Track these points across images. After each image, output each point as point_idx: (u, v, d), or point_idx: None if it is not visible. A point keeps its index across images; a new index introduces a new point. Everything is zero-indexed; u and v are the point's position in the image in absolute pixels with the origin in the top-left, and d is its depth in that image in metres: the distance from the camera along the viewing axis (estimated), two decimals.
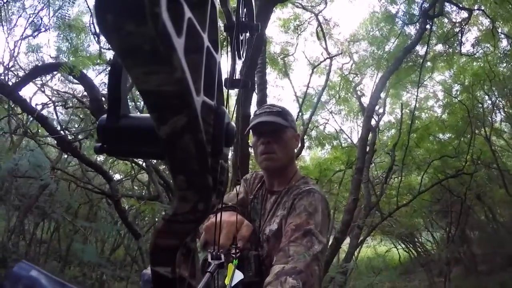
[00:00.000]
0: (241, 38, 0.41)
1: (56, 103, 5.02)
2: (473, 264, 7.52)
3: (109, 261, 6.52)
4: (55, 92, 5.23)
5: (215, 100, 0.26)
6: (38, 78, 5.36)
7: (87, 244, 6.05)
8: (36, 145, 4.33)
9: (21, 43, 4.54)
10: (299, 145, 1.12)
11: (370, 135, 6.14)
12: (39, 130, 4.87)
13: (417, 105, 6.80)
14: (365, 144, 5.25)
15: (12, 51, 4.26)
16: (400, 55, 5.37)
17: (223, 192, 0.27)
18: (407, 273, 9.36)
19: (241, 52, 0.42)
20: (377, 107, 8.55)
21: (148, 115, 0.24)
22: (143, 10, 0.17)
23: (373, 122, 8.26)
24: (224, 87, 0.29)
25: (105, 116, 0.27)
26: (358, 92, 8.20)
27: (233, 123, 0.27)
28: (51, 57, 5.66)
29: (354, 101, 8.68)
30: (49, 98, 4.93)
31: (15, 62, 4.59)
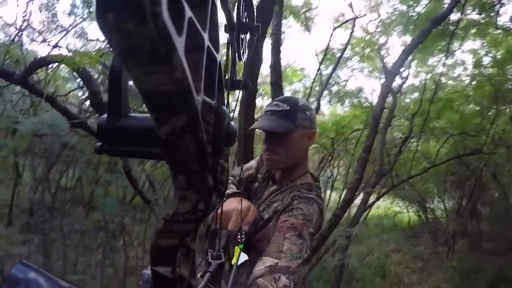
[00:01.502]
0: (241, 38, 0.39)
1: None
2: (478, 240, 7.59)
3: (130, 206, 6.95)
4: (70, 50, 5.20)
5: (216, 99, 0.25)
6: (52, 36, 5.35)
7: (108, 195, 6.47)
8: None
9: (33, 2, 4.47)
10: (312, 142, 1.07)
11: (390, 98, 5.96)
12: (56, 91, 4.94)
13: (442, 74, 6.45)
14: (378, 122, 4.96)
15: (24, 12, 4.20)
16: (428, 27, 4.82)
17: (223, 192, 0.27)
18: (414, 236, 9.45)
19: (241, 53, 0.40)
20: (401, 69, 8.24)
21: (148, 115, 0.24)
22: (144, 9, 0.16)
23: (395, 85, 8.00)
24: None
25: (105, 116, 0.27)
26: (382, 53, 7.80)
27: (233, 124, 0.26)
28: (64, 13, 5.58)
29: (378, 60, 8.32)
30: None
31: (28, 23, 4.55)
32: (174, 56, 0.19)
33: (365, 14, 7.39)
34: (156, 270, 0.24)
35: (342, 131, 8.09)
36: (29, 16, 4.55)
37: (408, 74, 7.99)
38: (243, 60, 0.41)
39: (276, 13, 4.04)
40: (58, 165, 6.24)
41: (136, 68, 0.20)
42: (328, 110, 9.80)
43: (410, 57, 7.79)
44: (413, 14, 6.52)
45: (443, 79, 7.32)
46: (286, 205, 0.93)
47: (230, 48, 0.39)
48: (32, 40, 4.79)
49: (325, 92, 8.45)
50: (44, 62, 2.71)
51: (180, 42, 0.20)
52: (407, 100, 8.37)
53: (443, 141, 6.85)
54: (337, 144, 8.09)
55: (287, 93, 9.06)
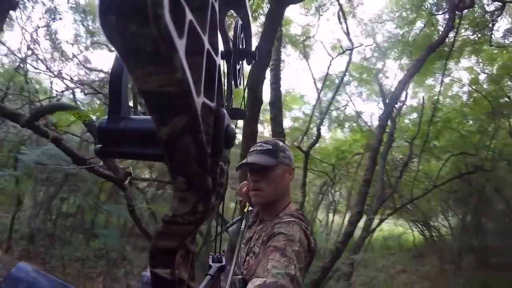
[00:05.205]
0: (238, 67, 0.40)
1: (74, 89, 5.14)
2: (485, 256, 7.39)
3: (132, 234, 6.80)
4: (72, 79, 5.35)
5: (215, 101, 0.26)
6: (55, 66, 5.50)
7: (108, 223, 6.35)
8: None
9: (37, 32, 4.63)
10: (292, 177, 1.19)
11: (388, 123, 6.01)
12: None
13: (440, 95, 6.49)
14: (376, 155, 4.92)
15: (30, 41, 4.34)
16: (423, 55, 4.91)
17: (223, 194, 0.27)
18: (421, 256, 9.25)
19: (238, 81, 0.41)
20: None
21: (148, 117, 0.24)
22: (146, 11, 0.17)
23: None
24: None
25: (105, 118, 0.27)
26: (379, 79, 7.99)
27: (232, 126, 0.27)
28: (67, 42, 5.76)
29: (376, 84, 8.49)
30: (67, 85, 5.07)
31: (33, 51, 4.71)
32: (175, 57, 0.20)
33: (360, 45, 7.60)
34: (155, 272, 0.23)
35: (343, 156, 8.14)
36: (34, 45, 4.69)
37: (406, 97, 8.12)
38: (240, 87, 0.42)
39: (275, 48, 4.15)
40: (60, 192, 6.20)
41: (138, 69, 0.20)
42: (328, 135, 9.92)
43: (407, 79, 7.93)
44: (410, 39, 6.69)
45: (441, 99, 7.40)
46: (270, 234, 1.00)
47: (227, 75, 0.40)
48: (36, 68, 4.91)
49: (325, 118, 8.59)
50: (49, 109, 2.77)
51: (181, 44, 0.20)
52: (406, 121, 8.45)
53: (444, 161, 6.83)
54: (338, 170, 8.11)
55: (287, 120, 9.19)
